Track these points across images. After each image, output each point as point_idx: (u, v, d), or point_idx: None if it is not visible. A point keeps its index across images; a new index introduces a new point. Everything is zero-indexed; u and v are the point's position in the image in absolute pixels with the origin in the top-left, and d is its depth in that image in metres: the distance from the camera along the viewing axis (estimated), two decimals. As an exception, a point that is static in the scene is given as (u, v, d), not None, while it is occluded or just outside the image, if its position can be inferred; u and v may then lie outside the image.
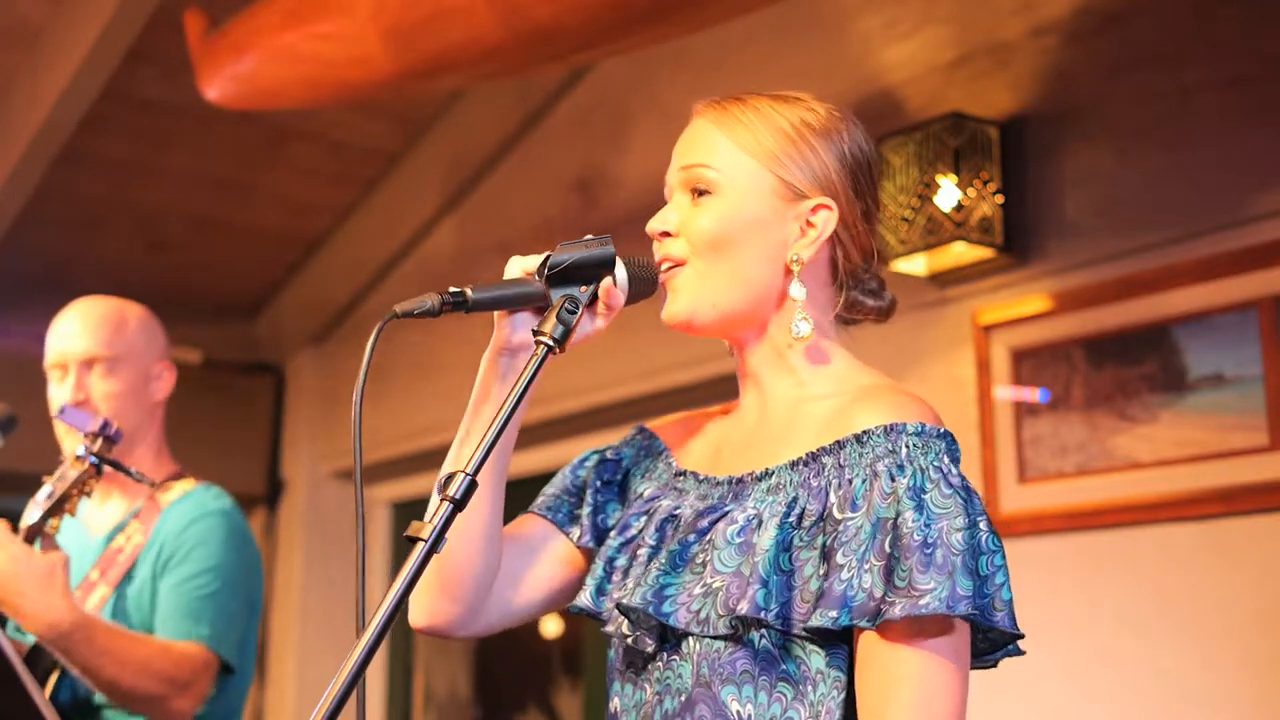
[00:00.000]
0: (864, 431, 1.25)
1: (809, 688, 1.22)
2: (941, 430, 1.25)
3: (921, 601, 1.15)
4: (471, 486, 1.17)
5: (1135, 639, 2.62)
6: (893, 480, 1.21)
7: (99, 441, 2.14)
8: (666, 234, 1.38)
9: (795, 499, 1.27)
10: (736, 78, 3.48)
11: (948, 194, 2.86)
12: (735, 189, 1.34)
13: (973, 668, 1.30)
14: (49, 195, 4.13)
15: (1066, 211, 2.84)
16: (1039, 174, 2.89)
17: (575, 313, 1.29)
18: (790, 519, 1.25)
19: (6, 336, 4.36)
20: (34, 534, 2.09)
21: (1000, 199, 2.88)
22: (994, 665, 1.33)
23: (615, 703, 1.36)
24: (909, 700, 1.17)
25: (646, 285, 1.37)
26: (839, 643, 1.23)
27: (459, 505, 1.16)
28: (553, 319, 1.28)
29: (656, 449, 1.48)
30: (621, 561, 1.37)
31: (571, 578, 1.45)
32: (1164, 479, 2.60)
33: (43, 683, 2.15)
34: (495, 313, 1.35)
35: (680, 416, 1.53)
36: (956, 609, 1.15)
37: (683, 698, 1.26)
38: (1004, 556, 1.22)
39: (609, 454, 1.50)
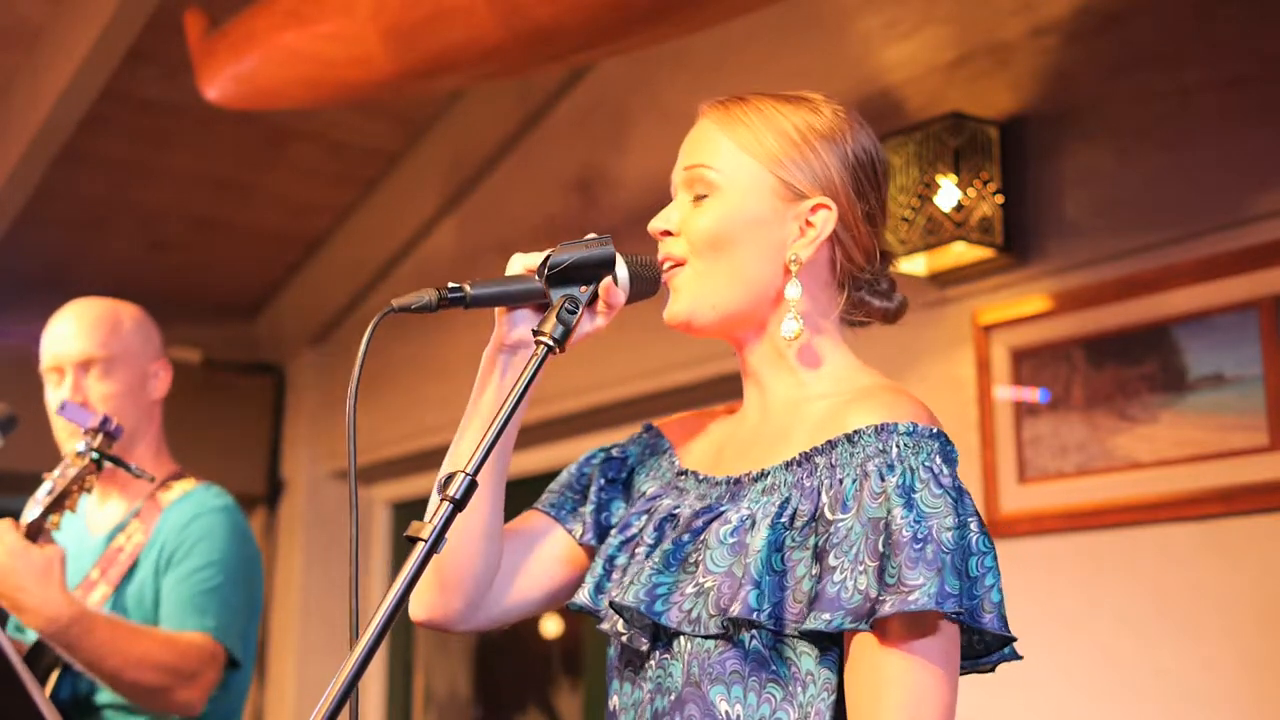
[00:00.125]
0: (855, 431, 1.25)
1: (798, 689, 1.22)
2: (934, 430, 1.25)
3: (911, 598, 1.14)
4: (471, 486, 1.17)
5: (1135, 639, 2.62)
6: (882, 480, 1.21)
7: (99, 437, 2.14)
8: (668, 233, 1.38)
9: (788, 499, 1.27)
10: (736, 78, 3.48)
11: (948, 194, 2.86)
12: (735, 190, 1.34)
13: (969, 672, 1.30)
14: (49, 195, 4.14)
15: (1066, 211, 2.84)
16: (1039, 174, 2.89)
17: (575, 313, 1.29)
18: (783, 519, 1.25)
19: (6, 336, 4.36)
20: (35, 530, 2.09)
21: (1000, 199, 2.88)
22: (991, 670, 1.32)
23: (614, 701, 1.36)
24: (897, 701, 1.17)
25: (649, 285, 1.37)
26: (831, 644, 1.23)
27: (459, 505, 1.16)
28: (553, 319, 1.28)
29: (662, 447, 1.48)
30: (621, 560, 1.37)
31: (573, 575, 1.45)
32: (1164, 479, 2.60)
33: (44, 681, 2.15)
34: (496, 310, 1.35)
35: (688, 415, 1.53)
36: (944, 606, 1.15)
37: (673, 696, 1.27)
38: (995, 558, 1.21)
39: (615, 452, 1.50)
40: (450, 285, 1.26)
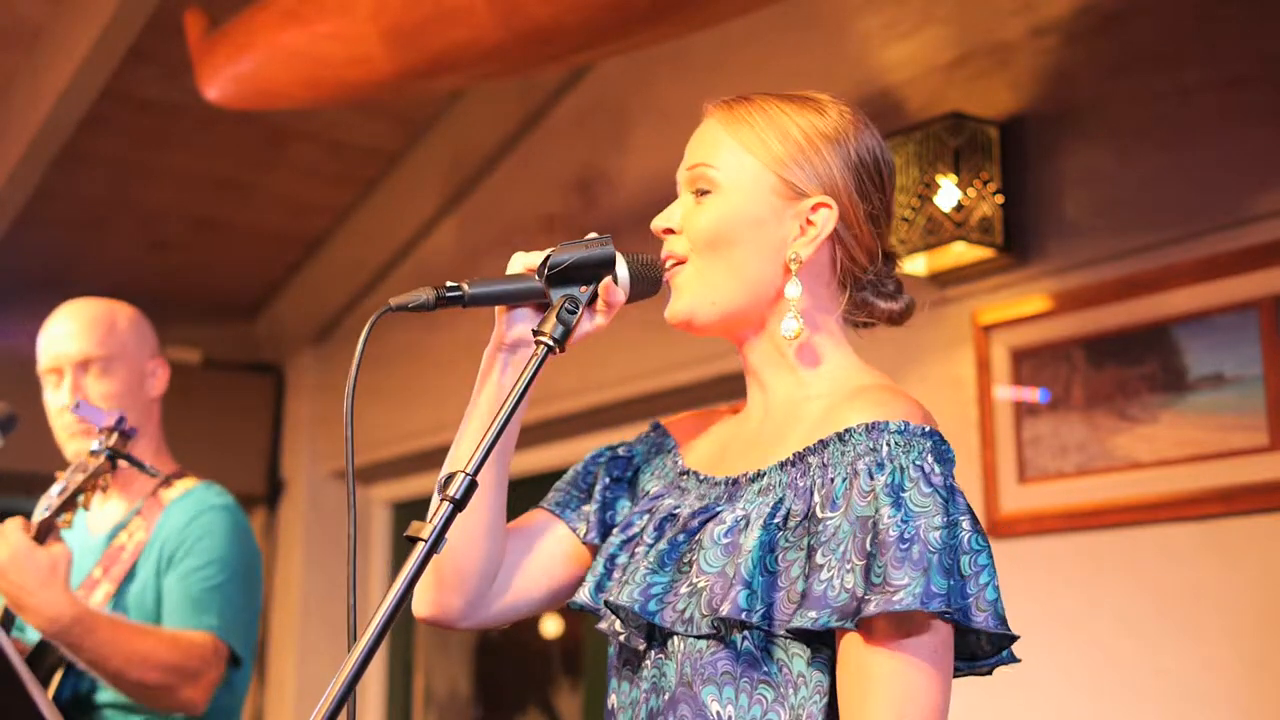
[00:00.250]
0: (846, 430, 1.25)
1: (790, 691, 1.22)
2: (927, 429, 1.24)
3: (895, 598, 1.14)
4: (471, 486, 1.17)
5: (1135, 639, 2.62)
6: (871, 478, 1.20)
7: (114, 436, 2.14)
8: (670, 230, 1.38)
9: (781, 500, 1.26)
10: (736, 78, 3.48)
11: (948, 194, 2.86)
12: (736, 188, 1.34)
13: (967, 674, 1.29)
14: (49, 195, 4.14)
15: (1066, 211, 2.84)
16: (1039, 174, 2.89)
17: (575, 313, 1.29)
18: (775, 520, 1.25)
19: (6, 336, 4.36)
20: (46, 528, 2.09)
21: (1000, 199, 2.88)
22: (988, 673, 1.31)
23: (612, 699, 1.37)
24: (884, 701, 1.16)
25: (649, 285, 1.37)
26: (822, 646, 1.22)
27: (459, 505, 1.16)
28: (553, 319, 1.28)
29: (667, 446, 1.48)
30: (622, 559, 1.37)
31: (575, 573, 1.45)
32: (1164, 479, 2.60)
33: (47, 681, 2.15)
34: (496, 309, 1.35)
35: (694, 414, 1.53)
36: (930, 606, 1.14)
37: (666, 696, 1.27)
38: (989, 556, 1.20)
39: (621, 450, 1.50)
40: (448, 284, 1.26)
